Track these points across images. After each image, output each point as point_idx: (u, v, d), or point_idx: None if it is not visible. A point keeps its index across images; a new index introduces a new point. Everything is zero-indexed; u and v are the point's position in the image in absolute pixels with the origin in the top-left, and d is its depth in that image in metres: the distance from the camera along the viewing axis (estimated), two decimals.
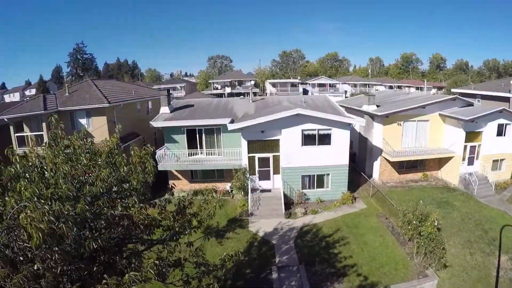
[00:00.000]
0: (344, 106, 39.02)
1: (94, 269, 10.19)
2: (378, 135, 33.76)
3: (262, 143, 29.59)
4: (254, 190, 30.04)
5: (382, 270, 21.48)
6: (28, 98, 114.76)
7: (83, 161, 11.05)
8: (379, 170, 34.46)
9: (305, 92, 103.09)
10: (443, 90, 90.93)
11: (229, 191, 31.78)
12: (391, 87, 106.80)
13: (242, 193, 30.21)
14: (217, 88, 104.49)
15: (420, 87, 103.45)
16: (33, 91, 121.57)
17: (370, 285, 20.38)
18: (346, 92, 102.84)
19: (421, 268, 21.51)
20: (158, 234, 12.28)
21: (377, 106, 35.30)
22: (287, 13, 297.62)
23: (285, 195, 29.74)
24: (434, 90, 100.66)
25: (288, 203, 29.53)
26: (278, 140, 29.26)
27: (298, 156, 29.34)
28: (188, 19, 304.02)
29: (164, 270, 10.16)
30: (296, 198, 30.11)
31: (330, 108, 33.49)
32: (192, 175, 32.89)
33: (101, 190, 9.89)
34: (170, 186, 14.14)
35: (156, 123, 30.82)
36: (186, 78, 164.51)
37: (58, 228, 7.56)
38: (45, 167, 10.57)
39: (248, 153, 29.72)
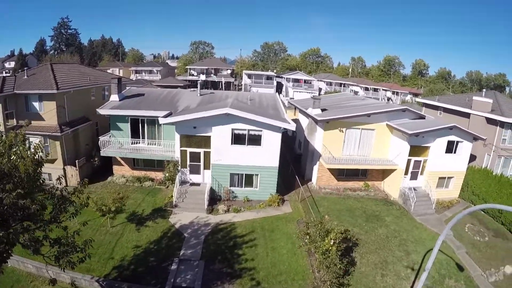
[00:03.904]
0: (296, 106, 37.87)
1: None
2: (319, 139, 32.76)
3: (194, 138, 29.36)
4: (184, 182, 30.21)
5: (279, 278, 20.88)
6: (7, 70, 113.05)
7: None
8: (317, 175, 33.54)
9: (279, 85, 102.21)
10: (419, 96, 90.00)
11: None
12: (367, 89, 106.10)
13: (173, 184, 30.00)
14: (192, 75, 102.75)
15: (397, 91, 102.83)
16: (13, 64, 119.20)
17: None
18: (320, 89, 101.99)
19: (320, 283, 20.41)
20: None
21: (323, 110, 34.16)
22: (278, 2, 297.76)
23: (213, 191, 29.87)
24: (409, 96, 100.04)
25: (215, 199, 29.67)
26: (209, 136, 28.92)
27: (228, 154, 29.01)
28: (178, 2, 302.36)
29: (28, 244, 12.64)
30: (223, 194, 29.85)
31: (273, 109, 32.96)
32: (134, 163, 33.74)
33: None
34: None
35: (102, 111, 31.24)
36: (168, 61, 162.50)
37: None
38: None
39: (181, 146, 29.62)
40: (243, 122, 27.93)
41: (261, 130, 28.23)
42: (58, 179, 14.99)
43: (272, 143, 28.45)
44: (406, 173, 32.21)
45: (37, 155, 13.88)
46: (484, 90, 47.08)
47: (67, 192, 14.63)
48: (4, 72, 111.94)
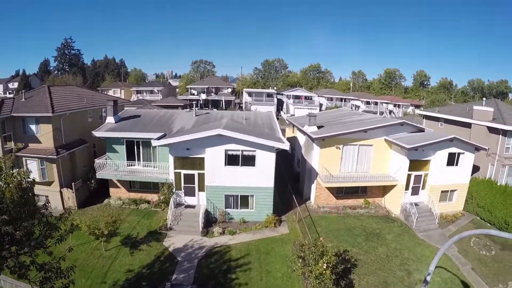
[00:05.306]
0: (292, 123, 37.48)
1: None
2: (316, 157, 32.19)
3: (188, 160, 29.02)
4: (179, 204, 29.87)
5: None
6: (11, 90, 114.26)
7: None
8: (315, 194, 32.88)
9: (280, 102, 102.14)
10: (420, 108, 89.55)
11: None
12: (368, 103, 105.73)
13: (168, 206, 29.64)
14: (193, 94, 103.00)
15: (398, 104, 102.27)
16: (16, 85, 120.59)
17: None
18: (321, 105, 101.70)
19: None
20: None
21: (320, 127, 33.67)
22: (281, 19, 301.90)
23: (208, 213, 29.39)
24: (411, 108, 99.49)
25: (211, 221, 29.21)
26: (203, 158, 28.54)
27: (222, 175, 28.57)
28: (182, 22, 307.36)
29: (17, 271, 13.07)
30: (219, 216, 29.32)
31: (268, 128, 32.67)
32: (130, 185, 33.39)
33: None
34: None
35: (98, 133, 31.20)
36: (171, 80, 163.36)
37: None
38: None
39: (175, 168, 29.30)
40: (236, 143, 27.53)
41: (254, 150, 27.76)
42: (44, 204, 14.90)
43: (266, 163, 27.96)
44: (407, 188, 31.48)
45: (23, 181, 13.75)
46: (484, 98, 46.39)
47: (55, 218, 14.59)
48: (7, 92, 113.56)
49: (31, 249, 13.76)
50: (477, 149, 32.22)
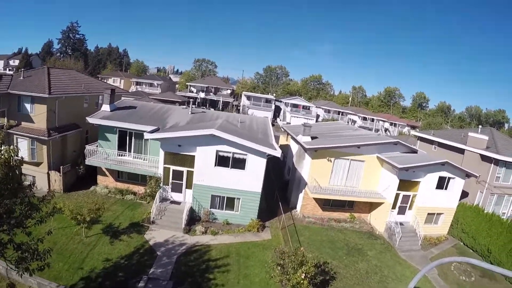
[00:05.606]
0: (287, 131, 37.49)
1: None
2: (306, 167, 32.14)
3: (179, 156, 28.90)
4: (165, 200, 29.75)
5: None
6: (11, 67, 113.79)
7: None
8: (301, 203, 32.80)
9: (278, 109, 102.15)
10: (416, 129, 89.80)
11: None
12: (365, 119, 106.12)
13: (154, 200, 29.50)
14: (192, 91, 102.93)
15: (395, 123, 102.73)
16: (17, 62, 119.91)
17: None
18: (318, 116, 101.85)
19: None
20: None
21: (314, 137, 33.67)
22: (286, 27, 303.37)
23: (193, 211, 29.23)
24: (407, 128, 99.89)
25: (194, 219, 28.96)
26: (193, 156, 28.44)
27: (211, 175, 28.45)
28: (189, 20, 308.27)
29: None
30: (203, 215, 29.14)
31: (262, 133, 32.62)
32: (118, 175, 33.35)
33: None
34: None
35: (92, 120, 31.12)
36: (171, 76, 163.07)
37: None
38: None
39: (164, 163, 29.21)
40: (228, 145, 27.46)
41: (246, 154, 27.72)
42: (29, 185, 14.95)
43: (256, 167, 27.91)
44: (394, 207, 31.50)
45: (11, 159, 13.78)
46: (480, 126, 46.57)
47: (37, 199, 14.53)
48: (7, 69, 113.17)
49: (10, 227, 13.75)
50: (468, 175, 32.33)
